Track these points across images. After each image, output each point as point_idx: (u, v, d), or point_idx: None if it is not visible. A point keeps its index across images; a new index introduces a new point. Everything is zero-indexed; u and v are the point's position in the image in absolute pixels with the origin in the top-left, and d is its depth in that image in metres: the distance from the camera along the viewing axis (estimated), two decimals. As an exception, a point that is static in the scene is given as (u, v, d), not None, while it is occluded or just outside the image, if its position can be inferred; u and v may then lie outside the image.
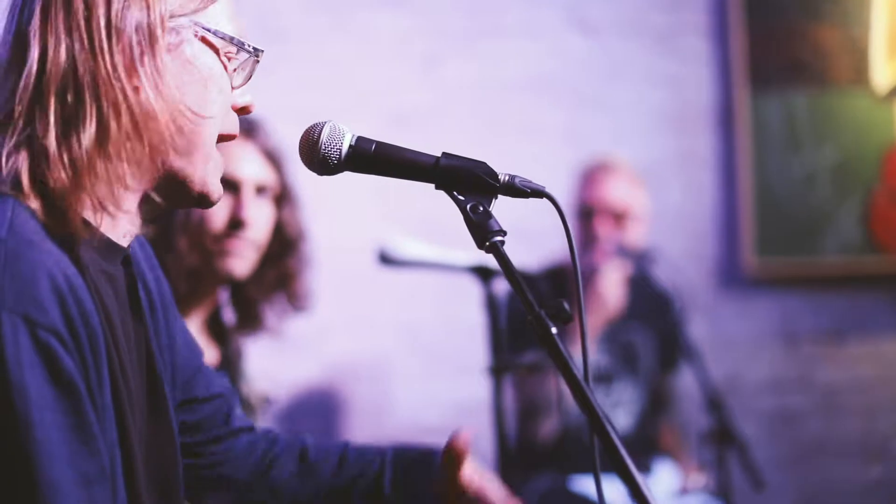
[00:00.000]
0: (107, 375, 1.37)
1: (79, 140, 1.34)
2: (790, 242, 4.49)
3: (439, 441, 1.69)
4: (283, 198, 2.65)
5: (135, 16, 1.39)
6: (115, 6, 1.38)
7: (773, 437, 4.54)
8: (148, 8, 1.40)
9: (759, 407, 4.54)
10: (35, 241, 1.32)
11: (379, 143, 1.57)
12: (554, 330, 1.44)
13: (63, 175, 1.34)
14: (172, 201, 1.49)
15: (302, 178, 2.60)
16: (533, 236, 3.65)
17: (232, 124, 1.52)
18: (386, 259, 2.70)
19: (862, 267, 4.51)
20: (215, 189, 1.50)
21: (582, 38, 4.52)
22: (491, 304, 2.70)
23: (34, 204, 1.35)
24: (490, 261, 2.67)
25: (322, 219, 3.14)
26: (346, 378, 4.37)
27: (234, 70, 1.50)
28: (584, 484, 3.54)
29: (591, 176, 3.87)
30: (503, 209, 1.57)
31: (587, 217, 3.81)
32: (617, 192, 3.80)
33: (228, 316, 2.73)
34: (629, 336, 3.83)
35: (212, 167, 1.49)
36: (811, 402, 4.56)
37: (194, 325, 2.51)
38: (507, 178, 1.55)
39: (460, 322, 3.97)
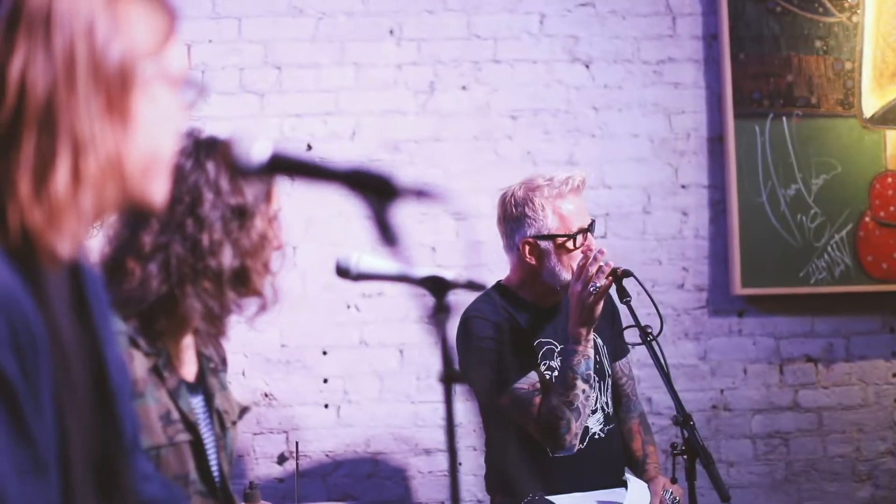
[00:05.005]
0: (47, 375, 1.44)
1: (53, 182, 1.38)
2: (779, 268, 4.57)
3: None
4: None
5: (114, 57, 1.43)
6: (98, 47, 1.42)
7: (764, 459, 4.60)
8: (127, 50, 1.44)
9: (749, 429, 4.59)
10: None
11: None
12: None
13: (36, 215, 1.38)
14: (126, 207, 1.57)
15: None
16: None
17: (178, 143, 1.62)
18: (342, 272, 2.78)
19: (850, 292, 4.58)
20: (164, 197, 1.58)
21: (577, 68, 4.62)
22: (440, 314, 2.74)
23: None
24: (445, 273, 2.76)
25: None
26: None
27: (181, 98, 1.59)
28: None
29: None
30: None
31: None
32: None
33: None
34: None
35: (162, 181, 1.57)
36: (801, 425, 4.61)
37: (186, 339, 2.55)
38: None
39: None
